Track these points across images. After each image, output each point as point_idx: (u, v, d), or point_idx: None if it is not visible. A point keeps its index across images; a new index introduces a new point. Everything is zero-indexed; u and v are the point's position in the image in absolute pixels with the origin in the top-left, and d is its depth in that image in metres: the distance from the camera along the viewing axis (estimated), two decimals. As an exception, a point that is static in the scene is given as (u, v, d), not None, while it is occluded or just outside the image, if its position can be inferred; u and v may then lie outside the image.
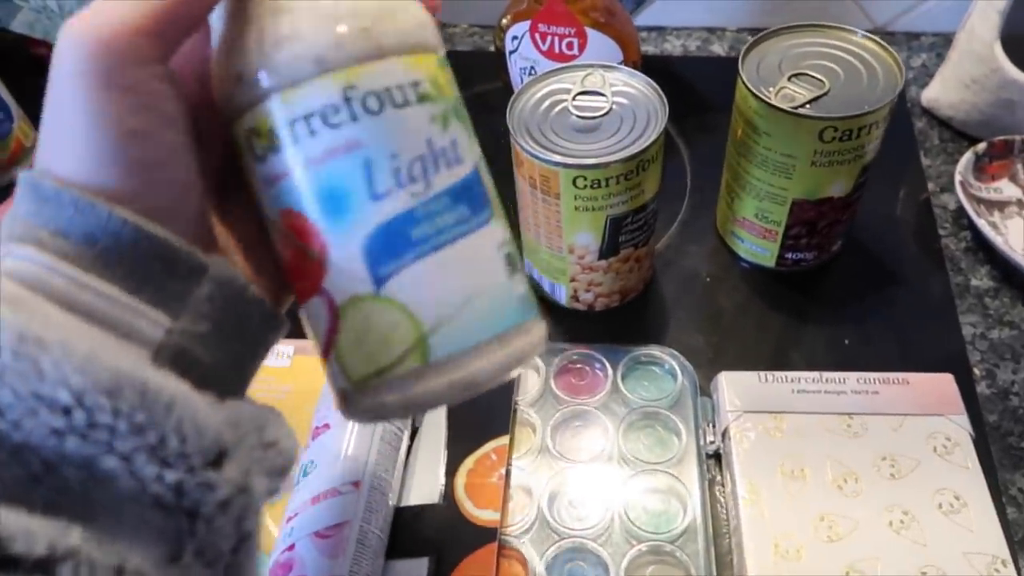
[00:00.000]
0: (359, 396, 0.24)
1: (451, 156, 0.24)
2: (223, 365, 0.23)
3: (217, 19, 0.25)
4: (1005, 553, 0.36)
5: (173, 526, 0.20)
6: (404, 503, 0.41)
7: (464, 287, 0.24)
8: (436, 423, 0.45)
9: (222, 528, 0.20)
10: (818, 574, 0.37)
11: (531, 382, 0.47)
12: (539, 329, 0.26)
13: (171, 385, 0.20)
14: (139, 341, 0.21)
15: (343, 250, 0.23)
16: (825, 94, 0.44)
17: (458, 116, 0.25)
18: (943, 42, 0.68)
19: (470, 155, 0.25)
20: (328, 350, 0.25)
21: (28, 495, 0.18)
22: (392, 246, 0.23)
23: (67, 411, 0.18)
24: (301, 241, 0.24)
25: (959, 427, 0.41)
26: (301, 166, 0.23)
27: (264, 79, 0.23)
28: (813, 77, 0.45)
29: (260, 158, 0.24)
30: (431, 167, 0.24)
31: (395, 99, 0.23)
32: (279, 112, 0.23)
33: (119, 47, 0.20)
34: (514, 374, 0.25)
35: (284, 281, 0.25)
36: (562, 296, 0.50)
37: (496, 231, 0.25)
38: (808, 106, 0.43)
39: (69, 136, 0.21)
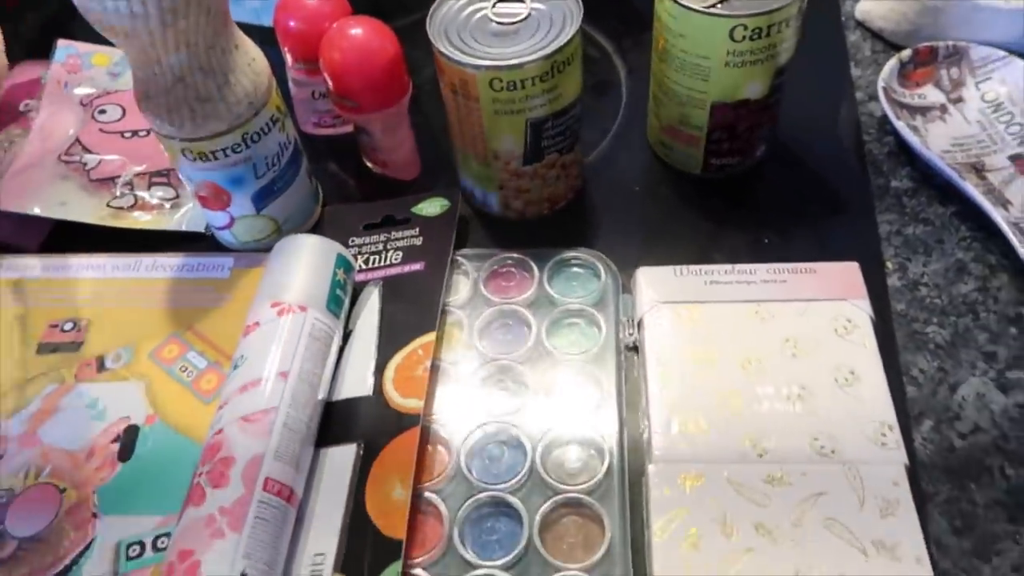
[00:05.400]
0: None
1: (287, 145, 0.49)
2: None
3: None
4: (892, 419, 0.39)
5: None
6: (336, 398, 0.44)
7: (295, 203, 0.51)
8: (369, 326, 0.47)
9: None
10: (721, 447, 0.39)
11: (461, 286, 0.49)
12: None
13: None
14: None
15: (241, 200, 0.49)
16: (737, -6, 0.45)
17: (287, 119, 0.49)
18: (882, -43, 0.68)
19: (294, 136, 0.49)
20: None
21: None
22: (266, 195, 0.49)
23: None
24: (216, 193, 0.48)
25: (860, 310, 0.43)
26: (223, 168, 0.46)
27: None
28: (726, -22, 0.46)
29: (192, 162, 0.46)
30: (280, 155, 0.48)
31: (265, 131, 0.46)
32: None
33: None
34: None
35: None
36: (493, 204, 0.52)
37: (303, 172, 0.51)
38: (719, 6, 0.44)
39: None
